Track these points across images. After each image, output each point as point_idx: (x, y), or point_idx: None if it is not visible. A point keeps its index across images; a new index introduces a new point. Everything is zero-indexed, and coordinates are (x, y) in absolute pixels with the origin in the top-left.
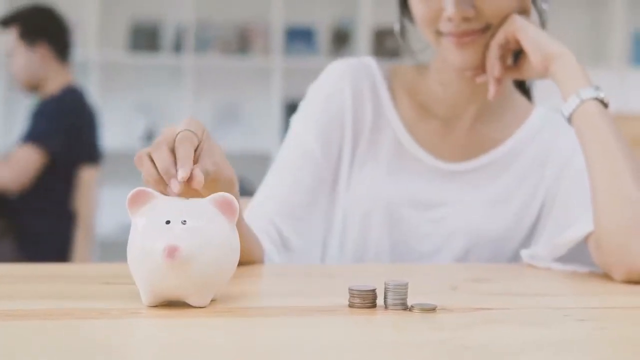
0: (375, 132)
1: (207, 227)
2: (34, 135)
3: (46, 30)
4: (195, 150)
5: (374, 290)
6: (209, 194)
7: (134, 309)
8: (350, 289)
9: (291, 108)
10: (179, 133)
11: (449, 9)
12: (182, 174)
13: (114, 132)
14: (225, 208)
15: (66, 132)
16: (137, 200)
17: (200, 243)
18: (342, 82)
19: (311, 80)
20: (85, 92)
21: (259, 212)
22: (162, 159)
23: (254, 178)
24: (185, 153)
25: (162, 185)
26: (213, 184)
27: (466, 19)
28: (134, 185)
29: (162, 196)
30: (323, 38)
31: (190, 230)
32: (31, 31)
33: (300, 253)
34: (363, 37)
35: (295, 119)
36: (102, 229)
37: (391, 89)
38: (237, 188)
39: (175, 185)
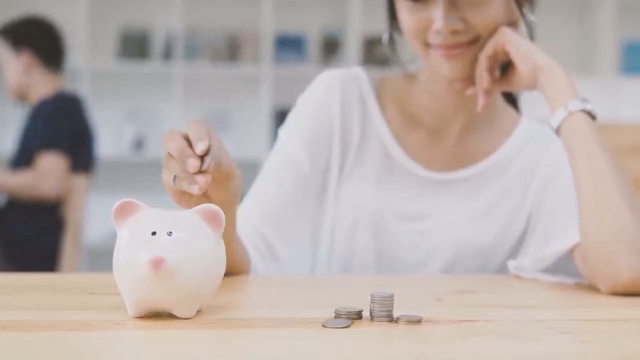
0: (363, 142)
1: (192, 238)
2: (42, 142)
3: (30, 38)
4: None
5: (360, 312)
6: (222, 195)
7: (119, 321)
8: (336, 311)
9: (281, 116)
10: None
11: (438, 23)
12: (201, 147)
13: (103, 139)
14: (211, 219)
15: (65, 134)
16: (123, 212)
17: (186, 254)
18: (331, 94)
19: (301, 88)
20: (81, 100)
21: (245, 222)
22: (176, 143)
23: (243, 185)
24: (197, 131)
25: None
26: (226, 181)
27: (455, 32)
28: (124, 193)
29: (148, 207)
30: (313, 46)
31: (176, 241)
32: (16, 39)
33: (288, 263)
34: (353, 45)
35: (284, 130)
36: (90, 237)
37: (379, 99)
38: (239, 197)
39: (192, 163)
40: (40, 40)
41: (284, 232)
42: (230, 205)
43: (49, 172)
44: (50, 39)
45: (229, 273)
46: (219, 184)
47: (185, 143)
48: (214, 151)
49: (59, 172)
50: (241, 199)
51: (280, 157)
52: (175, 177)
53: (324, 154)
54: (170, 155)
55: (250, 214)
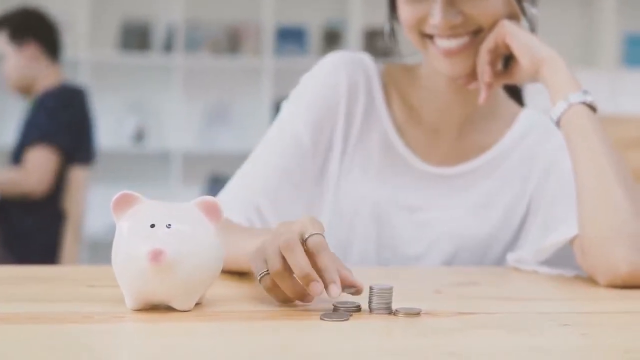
0: (366, 126)
1: (191, 230)
2: (42, 134)
3: (34, 30)
4: None
5: (358, 306)
6: None
7: (118, 313)
8: (335, 305)
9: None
10: (311, 236)
11: (436, 17)
12: (337, 291)
13: (104, 131)
14: (210, 212)
15: (67, 127)
16: (122, 204)
17: (185, 247)
18: (339, 72)
19: (311, 70)
20: (85, 92)
21: (239, 193)
22: (300, 262)
23: None
24: (330, 264)
25: (288, 281)
26: None
27: (453, 27)
28: (124, 184)
29: (147, 200)
30: (314, 38)
31: (175, 234)
32: (19, 32)
33: None
34: (354, 38)
35: (287, 105)
36: (91, 229)
37: (384, 88)
38: None
39: (316, 289)
40: (43, 31)
41: (280, 207)
42: None
43: (35, 168)
44: (51, 30)
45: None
46: None
47: (310, 266)
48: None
49: (47, 167)
50: None
51: (281, 131)
52: (262, 275)
53: (328, 132)
54: (284, 267)
55: (246, 186)
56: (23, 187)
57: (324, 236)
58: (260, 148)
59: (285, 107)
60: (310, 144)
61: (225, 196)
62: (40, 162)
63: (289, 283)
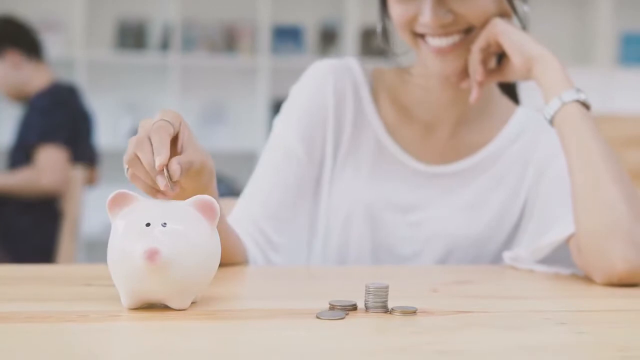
0: (356, 133)
1: (187, 229)
2: (40, 134)
3: (10, 37)
4: (176, 140)
5: (354, 305)
6: (194, 186)
7: (114, 312)
8: (331, 303)
9: (278, 107)
10: (154, 124)
11: (426, 16)
12: (158, 161)
13: (100, 131)
14: (206, 210)
15: (63, 125)
16: (117, 203)
17: (181, 246)
18: (324, 82)
19: (298, 80)
20: (77, 90)
21: (243, 214)
22: (147, 155)
23: (239, 177)
24: (159, 141)
25: (141, 169)
26: (198, 174)
27: (443, 25)
28: (121, 184)
29: (143, 198)
30: (310, 37)
31: (171, 232)
32: None
33: (286, 254)
34: (350, 37)
35: (278, 120)
36: (88, 228)
37: (373, 91)
38: (215, 180)
39: (161, 181)
40: (20, 36)
41: (281, 222)
42: (204, 192)
43: (48, 166)
44: (27, 33)
45: (223, 263)
46: (191, 177)
47: (153, 163)
48: (182, 159)
49: (59, 164)
50: (238, 190)
51: (276, 148)
52: (129, 172)
53: (319, 142)
54: (138, 160)
55: (247, 206)
56: (39, 186)
57: (167, 120)
58: (259, 168)
59: (277, 121)
60: (304, 155)
61: (230, 221)
62: (51, 160)
63: (142, 171)
